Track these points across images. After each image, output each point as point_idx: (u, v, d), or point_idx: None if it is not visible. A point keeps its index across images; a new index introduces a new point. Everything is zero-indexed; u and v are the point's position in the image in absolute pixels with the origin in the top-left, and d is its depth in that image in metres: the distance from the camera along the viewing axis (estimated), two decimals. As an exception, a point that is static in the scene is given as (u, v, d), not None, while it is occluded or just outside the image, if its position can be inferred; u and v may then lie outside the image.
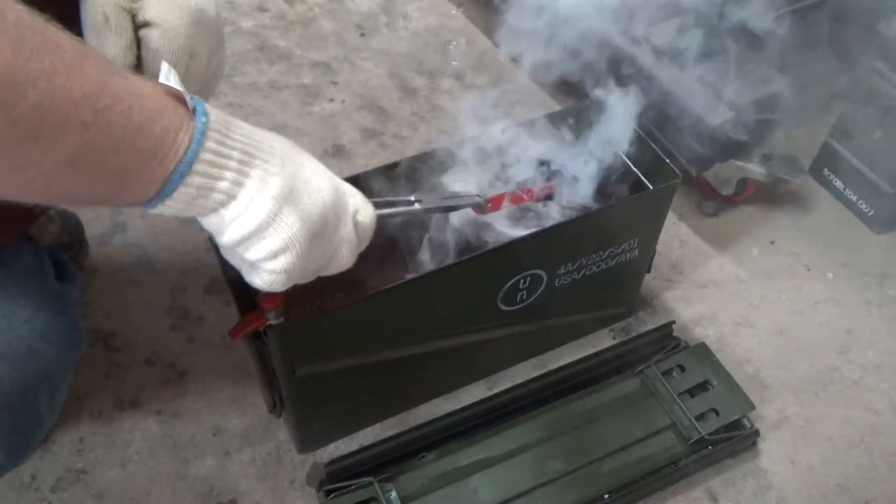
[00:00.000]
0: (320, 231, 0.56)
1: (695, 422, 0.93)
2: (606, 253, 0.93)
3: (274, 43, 1.48)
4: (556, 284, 0.92)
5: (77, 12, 0.58)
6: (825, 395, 1.04)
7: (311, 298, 0.83)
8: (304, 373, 0.80)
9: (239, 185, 0.52)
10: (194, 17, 0.60)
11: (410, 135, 1.33)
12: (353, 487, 0.86)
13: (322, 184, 0.56)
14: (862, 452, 0.98)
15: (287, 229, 0.53)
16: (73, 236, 1.04)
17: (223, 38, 0.65)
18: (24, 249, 0.78)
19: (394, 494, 0.87)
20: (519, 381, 1.00)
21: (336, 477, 0.88)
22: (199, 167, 0.49)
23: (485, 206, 0.82)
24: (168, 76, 0.51)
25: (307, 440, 0.93)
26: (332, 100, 1.38)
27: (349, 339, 0.82)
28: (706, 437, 0.92)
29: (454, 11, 1.59)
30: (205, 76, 0.63)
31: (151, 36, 0.58)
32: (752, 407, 0.96)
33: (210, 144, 0.50)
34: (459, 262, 0.82)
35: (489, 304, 0.89)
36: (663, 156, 0.92)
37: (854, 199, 1.25)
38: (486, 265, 0.83)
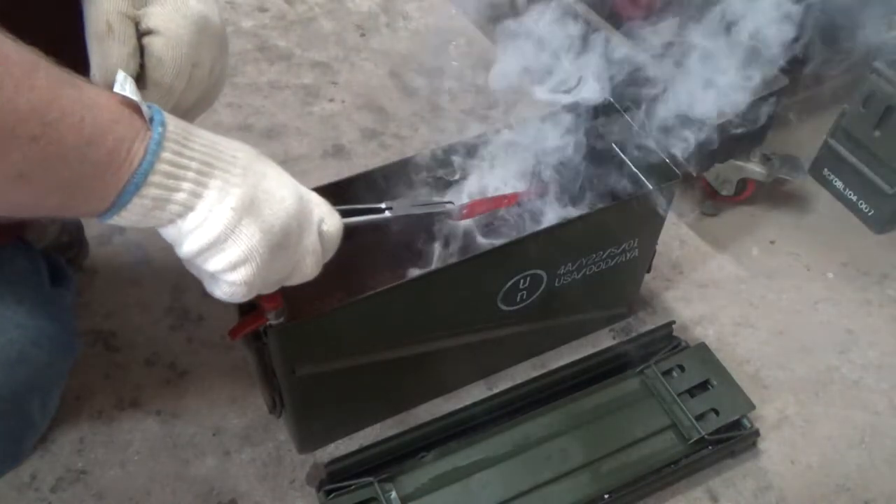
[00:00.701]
0: (282, 242, 0.55)
1: (695, 422, 0.93)
2: (606, 253, 0.93)
3: (274, 43, 1.48)
4: (556, 284, 0.92)
5: (80, 20, 0.57)
6: (825, 394, 1.04)
7: (311, 298, 0.83)
8: (304, 373, 0.80)
9: (197, 196, 0.51)
10: (198, 25, 0.59)
11: (410, 135, 1.33)
12: (353, 487, 0.86)
13: (285, 193, 0.56)
14: (862, 452, 0.98)
15: (247, 241, 0.53)
16: (72, 236, 1.04)
17: (227, 46, 0.64)
18: (19, 253, 0.77)
19: (394, 494, 0.87)
20: (519, 381, 1.00)
21: (336, 477, 0.88)
22: (154, 178, 0.49)
23: (458, 212, 0.81)
24: (124, 85, 0.50)
25: (307, 440, 0.93)
26: (332, 100, 1.38)
27: (349, 339, 0.82)
28: (706, 437, 0.92)
29: (454, 11, 1.59)
30: (207, 84, 0.62)
31: (155, 44, 0.57)
32: (752, 407, 0.96)
33: (166, 155, 0.49)
34: (459, 262, 0.82)
35: (489, 304, 0.89)
36: (663, 156, 0.92)
37: (854, 199, 1.25)
38: (486, 265, 0.83)
